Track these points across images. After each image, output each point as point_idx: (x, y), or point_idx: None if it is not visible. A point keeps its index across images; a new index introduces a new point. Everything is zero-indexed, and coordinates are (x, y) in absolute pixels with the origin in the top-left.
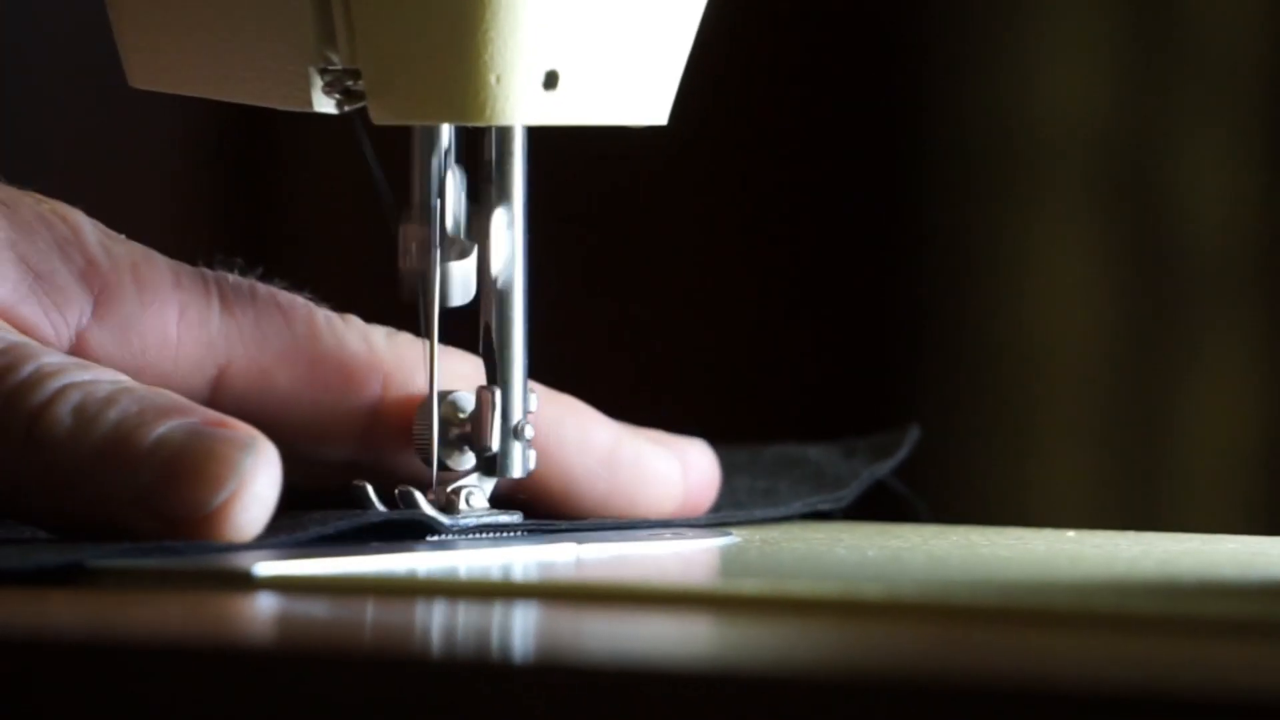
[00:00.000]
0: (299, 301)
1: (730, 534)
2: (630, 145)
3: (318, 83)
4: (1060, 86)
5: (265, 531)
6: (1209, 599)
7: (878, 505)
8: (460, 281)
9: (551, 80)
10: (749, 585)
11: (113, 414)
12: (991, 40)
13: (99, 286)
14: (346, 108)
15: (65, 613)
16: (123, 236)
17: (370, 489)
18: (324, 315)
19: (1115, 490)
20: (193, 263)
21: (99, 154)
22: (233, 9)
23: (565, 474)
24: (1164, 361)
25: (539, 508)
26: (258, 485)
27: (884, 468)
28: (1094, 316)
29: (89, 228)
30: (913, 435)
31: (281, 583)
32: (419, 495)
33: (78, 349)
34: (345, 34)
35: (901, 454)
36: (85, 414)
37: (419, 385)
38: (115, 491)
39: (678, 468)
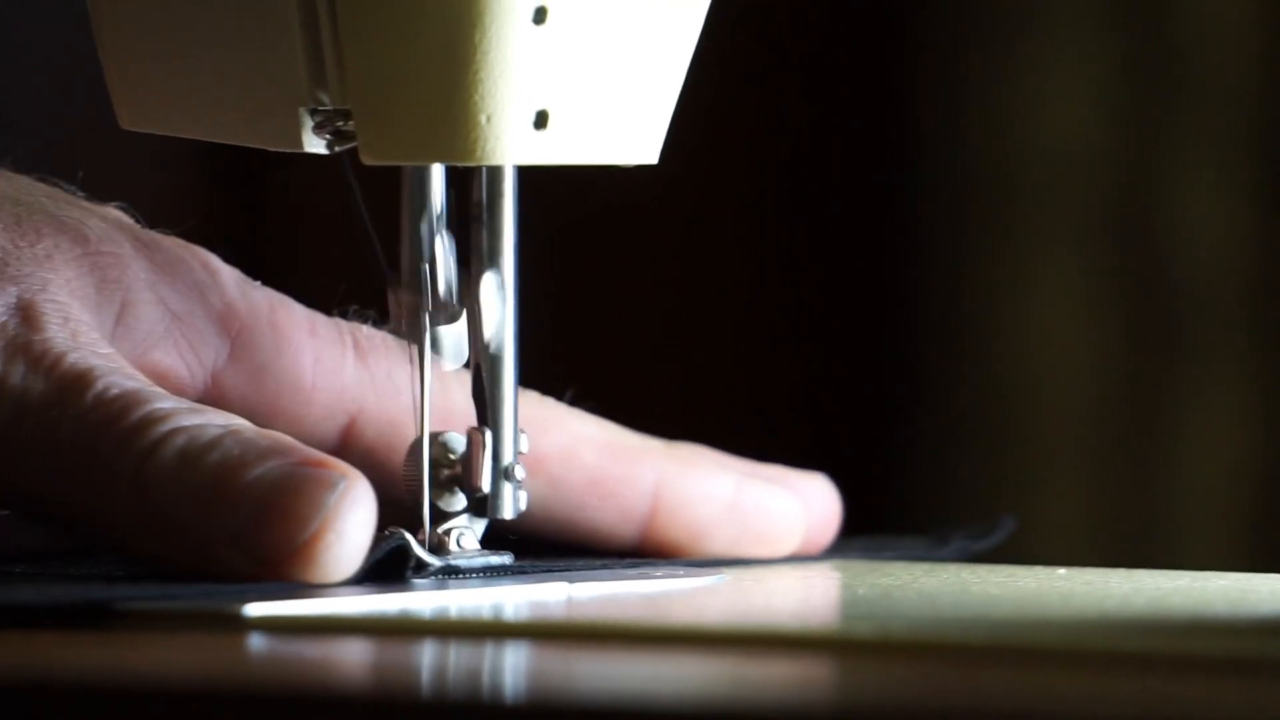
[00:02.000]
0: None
1: (721, 573)
2: (621, 183)
3: (308, 123)
4: (1054, 120)
5: None
6: (1200, 636)
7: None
8: (453, 346)
9: (542, 120)
10: (741, 624)
11: (215, 456)
12: (985, 75)
13: (236, 329)
14: (337, 148)
15: (54, 655)
16: (259, 283)
17: (412, 539)
18: (451, 371)
19: (1107, 526)
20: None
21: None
22: (223, 50)
23: (691, 525)
24: (1156, 396)
25: (671, 555)
26: (343, 523)
27: (977, 545)
28: (1086, 350)
29: (227, 272)
30: (1006, 525)
31: (272, 623)
32: (409, 536)
33: (212, 391)
34: (335, 74)
35: (995, 539)
36: (188, 457)
37: (547, 440)
38: (213, 533)
39: (799, 508)
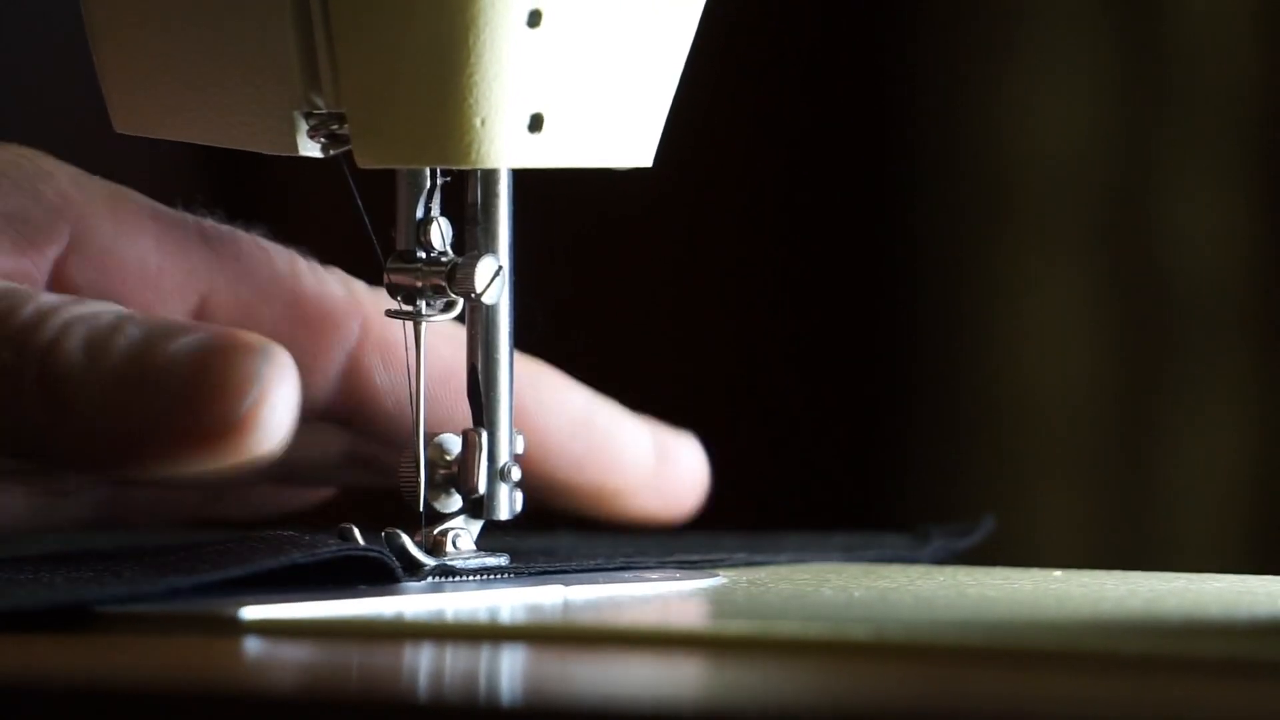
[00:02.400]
0: (279, 246)
1: (718, 575)
2: (616, 186)
3: (303, 127)
4: (1050, 126)
5: (245, 558)
6: (1196, 638)
7: None
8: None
9: (536, 123)
10: (736, 626)
11: (122, 340)
12: (981, 80)
13: (74, 218)
14: (332, 151)
15: (49, 658)
16: (98, 177)
17: (357, 531)
18: (305, 260)
19: (1102, 529)
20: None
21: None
22: (217, 55)
23: (541, 434)
24: (1152, 400)
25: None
26: (281, 390)
27: (958, 545)
28: (1082, 354)
29: (62, 168)
30: (986, 525)
31: (268, 626)
32: (405, 537)
33: (57, 282)
34: (330, 78)
35: (975, 539)
36: (95, 344)
37: (396, 334)
38: (139, 415)
39: (650, 440)
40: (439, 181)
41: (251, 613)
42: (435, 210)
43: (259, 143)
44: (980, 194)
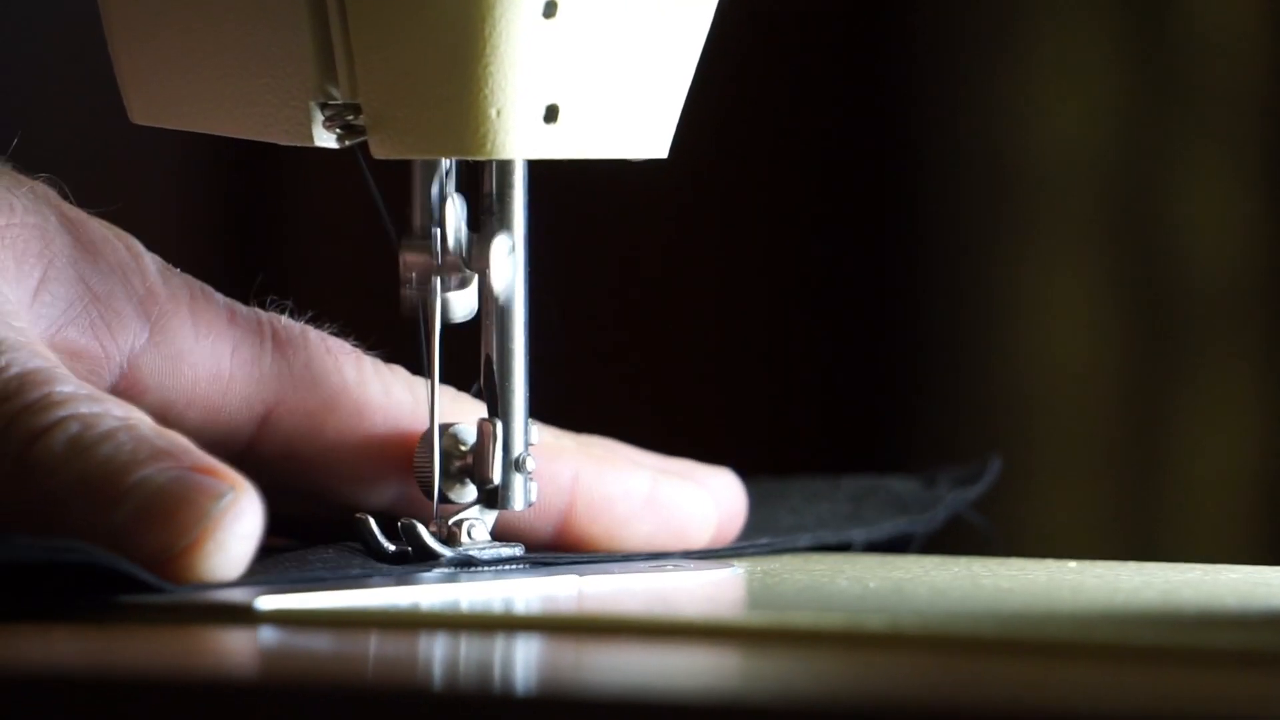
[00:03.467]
0: (347, 347)
1: (733, 565)
2: (631, 177)
3: (318, 117)
4: (1057, 121)
5: (267, 565)
6: (1211, 630)
7: (950, 534)
8: (461, 308)
9: (552, 114)
10: (752, 617)
11: (106, 449)
12: (987, 76)
13: (155, 314)
14: (347, 142)
15: (66, 647)
16: (179, 270)
17: (373, 522)
18: (371, 363)
19: (1117, 521)
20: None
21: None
22: (233, 45)
23: (608, 521)
24: (1164, 392)
25: (586, 550)
26: (224, 534)
27: (968, 495)
28: (1093, 348)
29: (149, 257)
30: (994, 467)
31: (283, 617)
32: (421, 527)
33: (129, 374)
34: (346, 69)
35: (983, 484)
36: (79, 445)
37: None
38: (91, 527)
39: (711, 503)
40: (454, 161)
41: (267, 603)
42: (450, 188)
43: (275, 133)
44: (989, 191)
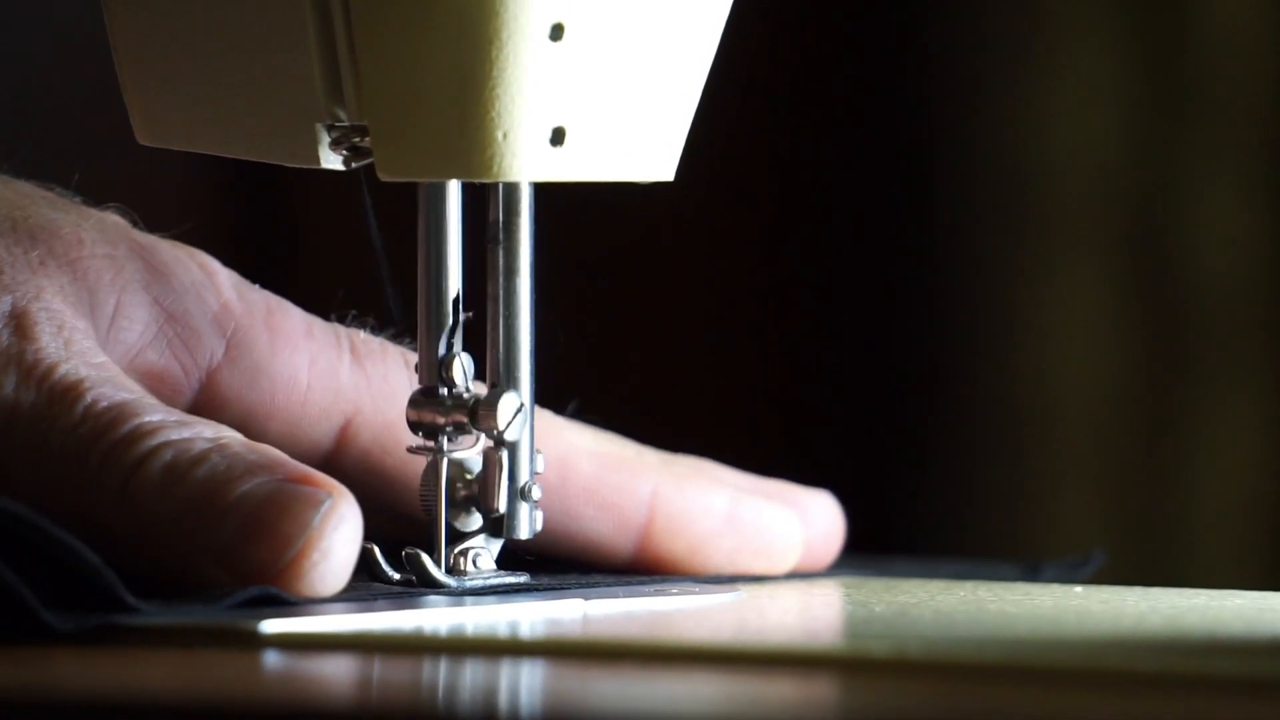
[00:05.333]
0: None
1: (738, 590)
2: (638, 200)
3: (325, 139)
4: (1070, 134)
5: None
6: (1216, 656)
7: None
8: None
9: (558, 137)
10: (756, 641)
11: (201, 471)
12: (1001, 88)
13: (232, 330)
14: (354, 164)
15: (70, 671)
16: (257, 285)
17: (379, 552)
18: None
19: (1123, 543)
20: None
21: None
22: (240, 67)
23: (688, 538)
24: (1174, 412)
25: (669, 570)
26: (327, 541)
27: (1071, 576)
28: (1103, 362)
29: (224, 273)
30: (1097, 559)
31: (288, 640)
32: (426, 557)
33: (208, 389)
34: (352, 90)
35: (1087, 573)
36: (176, 471)
37: (543, 449)
38: (198, 549)
39: (798, 523)
40: (461, 319)
41: (272, 626)
42: (457, 347)
43: (281, 155)
44: (1002, 200)
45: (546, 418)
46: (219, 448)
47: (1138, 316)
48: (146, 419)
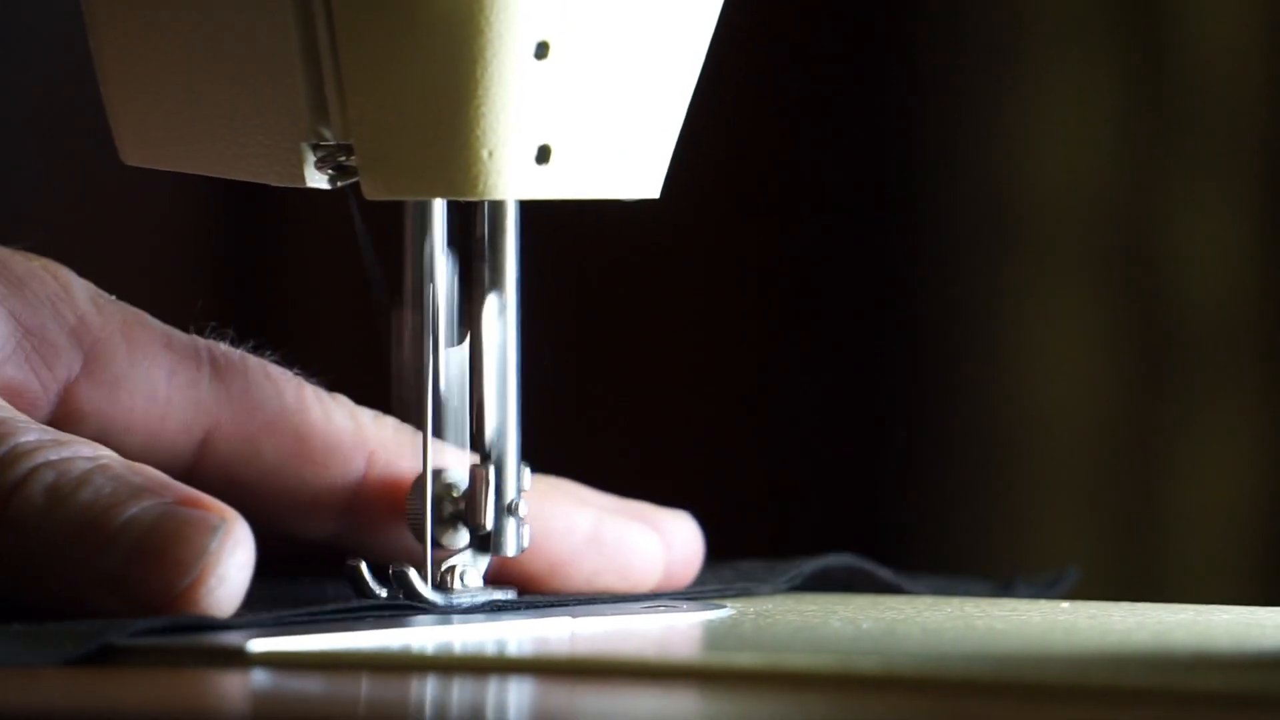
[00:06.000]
0: (288, 374)
1: (725, 606)
2: (623, 218)
3: (310, 158)
4: (1055, 155)
5: (257, 606)
6: (1204, 671)
7: None
8: (457, 373)
9: (544, 154)
10: (744, 659)
11: (85, 494)
12: (985, 109)
13: (89, 342)
14: (339, 183)
15: (57, 692)
16: (113, 297)
17: (365, 569)
18: (313, 390)
19: (1110, 560)
20: (185, 330)
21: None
22: (225, 87)
23: (552, 556)
24: (1160, 431)
25: (529, 587)
26: (224, 567)
27: (1043, 591)
28: (1089, 385)
29: (79, 285)
30: (1070, 576)
31: (275, 659)
32: (413, 573)
33: (65, 404)
34: (338, 110)
35: (1060, 590)
36: (58, 494)
37: (403, 468)
38: (86, 573)
39: (658, 544)
40: (444, 209)
41: (259, 645)
42: (441, 247)
43: (267, 174)
44: (985, 218)
45: (415, 435)
46: (100, 468)
47: (1122, 334)
48: (23, 439)
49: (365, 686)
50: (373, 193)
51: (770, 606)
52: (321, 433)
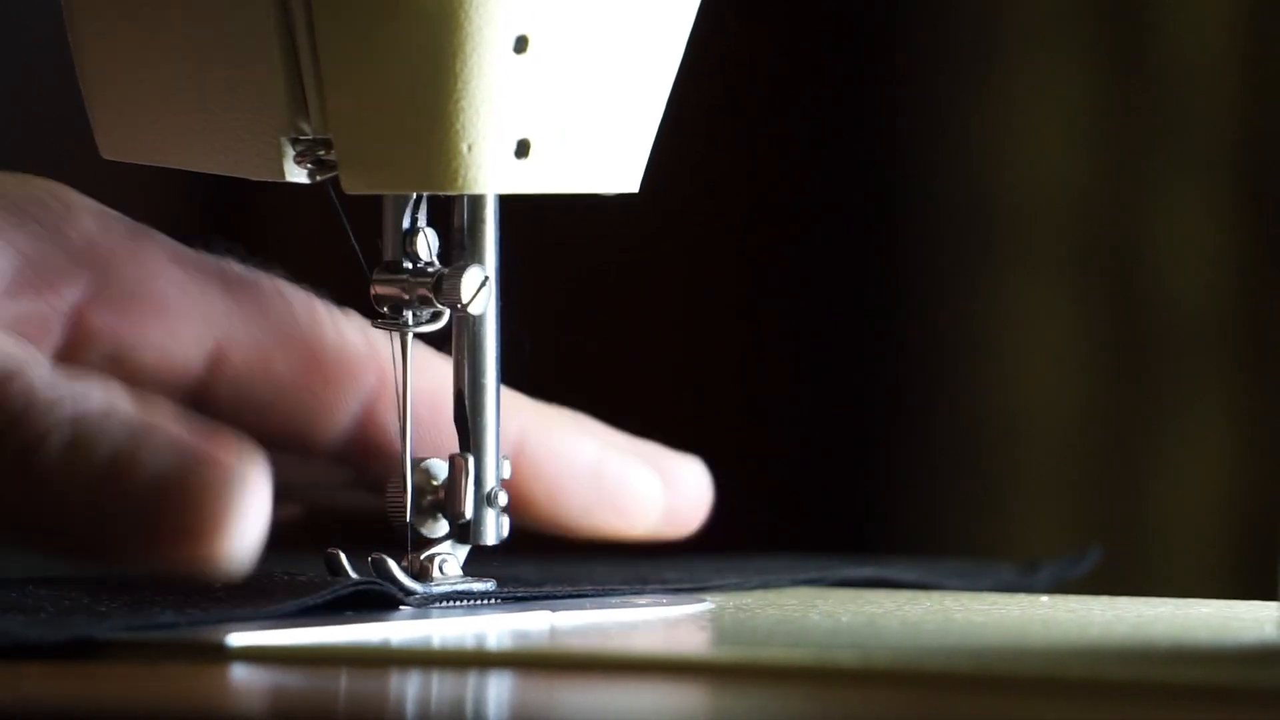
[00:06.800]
0: (300, 290)
1: (705, 600)
2: (602, 213)
3: (289, 153)
4: (1035, 153)
5: (237, 599)
6: (1183, 664)
7: None
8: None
9: (523, 149)
10: (724, 652)
11: (105, 446)
12: (966, 108)
13: (96, 261)
14: (319, 177)
15: (37, 686)
16: (118, 213)
17: (344, 557)
18: (324, 305)
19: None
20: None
21: None
22: (204, 81)
23: (548, 482)
24: (1138, 426)
25: (523, 516)
26: (249, 508)
27: (1068, 573)
28: (1068, 381)
29: (83, 204)
30: (1093, 554)
31: (255, 653)
32: (392, 562)
33: (75, 325)
34: (316, 104)
35: (1084, 568)
36: (78, 445)
37: (413, 383)
38: (114, 521)
39: (659, 486)
40: (425, 195)
41: (238, 640)
42: (422, 221)
43: (246, 169)
44: (966, 216)
45: (422, 351)
46: (113, 411)
47: (1101, 331)
48: (36, 392)
49: (344, 680)
50: (352, 187)
51: (750, 600)
52: (333, 348)
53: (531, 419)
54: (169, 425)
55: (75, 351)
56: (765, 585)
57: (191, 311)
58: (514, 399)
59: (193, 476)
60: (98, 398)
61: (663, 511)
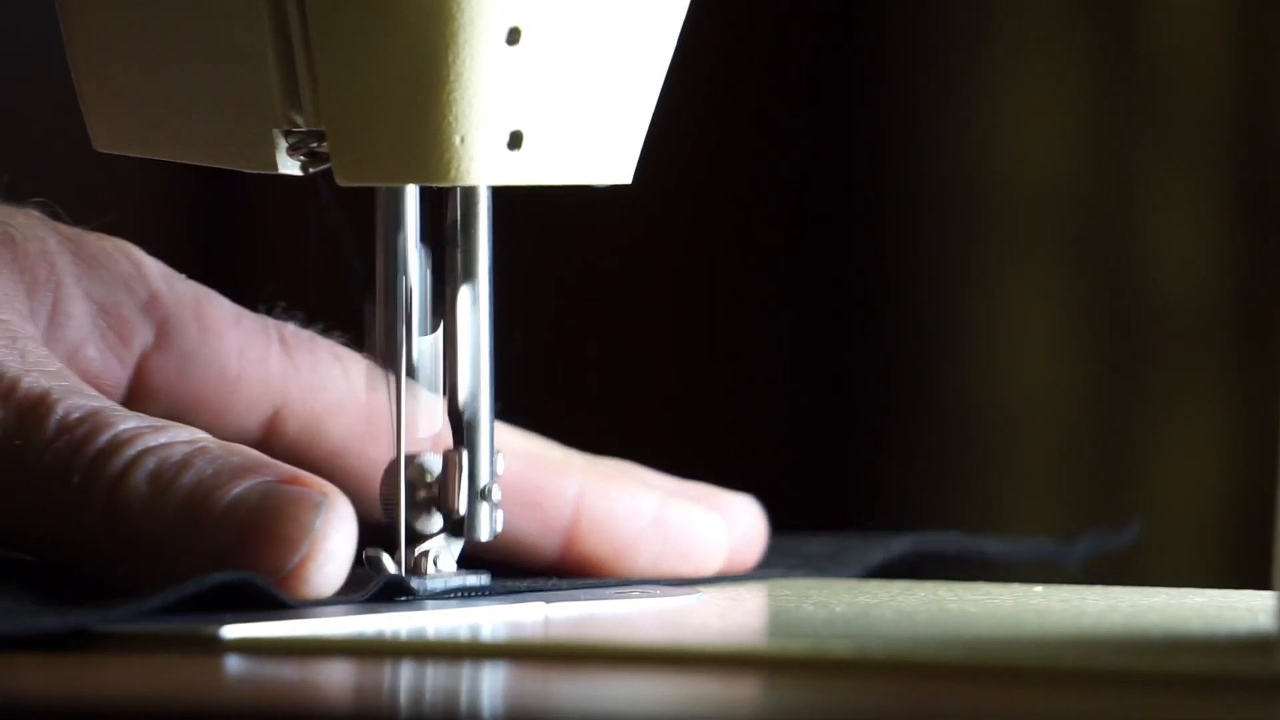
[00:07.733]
0: (356, 355)
1: (699, 592)
2: (596, 204)
3: (282, 144)
4: (1025, 140)
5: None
6: (1176, 654)
7: None
8: (429, 360)
9: (516, 140)
10: (717, 643)
11: (187, 479)
12: (956, 98)
13: (160, 319)
14: (311, 169)
15: (31, 677)
16: (184, 275)
17: (386, 557)
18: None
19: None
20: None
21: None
22: (197, 73)
23: (614, 540)
24: (1130, 415)
25: (593, 572)
26: (331, 544)
27: (1108, 543)
28: (1060, 370)
29: (151, 263)
30: (1133, 528)
31: (249, 645)
32: (386, 557)
33: (139, 379)
34: (309, 96)
35: (1124, 540)
36: (161, 481)
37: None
38: (194, 557)
39: (723, 527)
40: (418, 196)
41: (232, 631)
42: (413, 241)
43: (238, 161)
44: (957, 206)
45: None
46: (199, 451)
47: (1092, 321)
48: (123, 427)
49: (339, 672)
50: (345, 179)
51: (744, 591)
52: (388, 414)
53: (587, 480)
54: (254, 458)
55: (136, 406)
56: (820, 573)
57: (251, 377)
58: (566, 458)
59: (277, 502)
60: (183, 435)
61: (728, 552)
